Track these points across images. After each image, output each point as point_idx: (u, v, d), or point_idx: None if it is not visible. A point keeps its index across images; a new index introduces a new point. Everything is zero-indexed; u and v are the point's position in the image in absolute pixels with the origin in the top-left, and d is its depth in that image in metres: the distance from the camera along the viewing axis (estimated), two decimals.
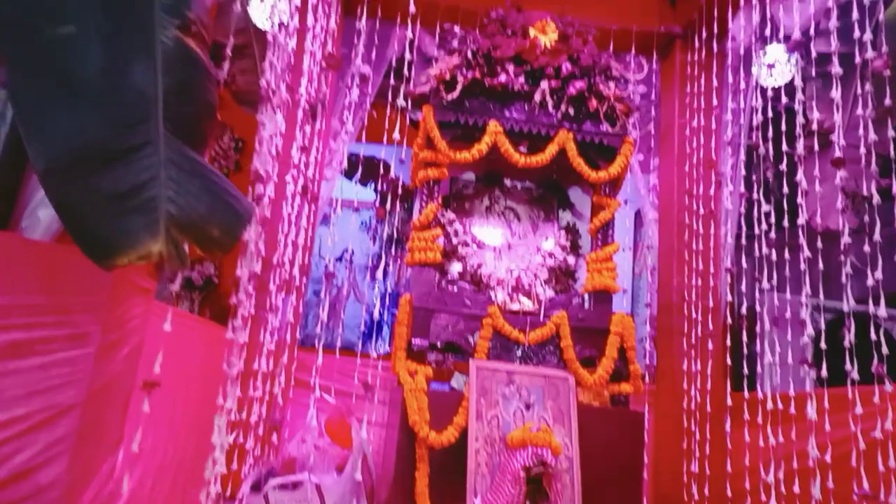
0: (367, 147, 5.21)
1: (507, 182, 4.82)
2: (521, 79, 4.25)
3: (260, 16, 2.83)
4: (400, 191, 5.63)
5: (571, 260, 4.57)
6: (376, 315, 6.45)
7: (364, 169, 5.07)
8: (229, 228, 1.66)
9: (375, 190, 6.28)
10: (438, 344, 3.96)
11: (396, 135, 4.31)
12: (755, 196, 3.89)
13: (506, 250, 4.54)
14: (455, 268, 4.36)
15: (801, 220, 3.43)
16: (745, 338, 4.18)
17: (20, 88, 1.39)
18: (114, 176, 1.46)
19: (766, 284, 3.63)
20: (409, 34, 4.25)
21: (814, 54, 3.71)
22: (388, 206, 5.84)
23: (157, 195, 1.50)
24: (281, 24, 2.87)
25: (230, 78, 3.24)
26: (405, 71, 4.21)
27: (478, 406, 3.63)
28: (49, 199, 1.46)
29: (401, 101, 3.68)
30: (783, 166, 3.71)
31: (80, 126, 1.43)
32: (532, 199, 4.78)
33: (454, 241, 4.42)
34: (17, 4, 1.37)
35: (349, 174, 6.02)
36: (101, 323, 2.17)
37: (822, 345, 3.30)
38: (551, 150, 4.21)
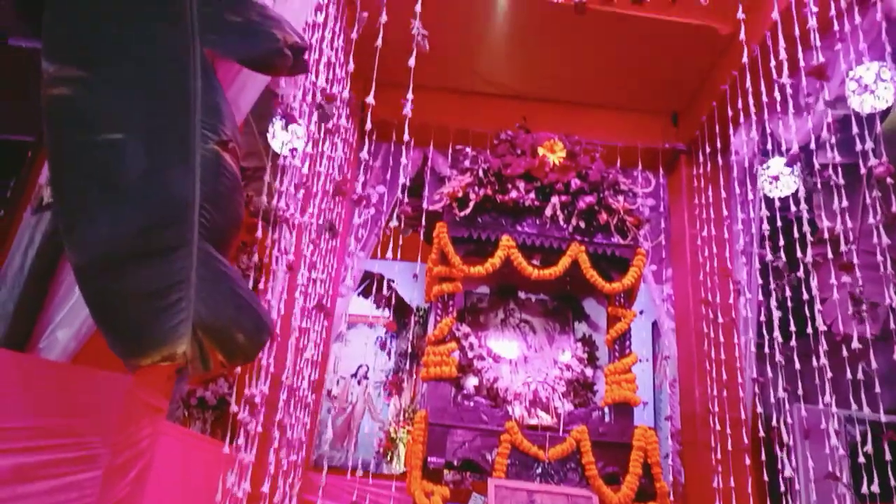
0: (381, 264, 5.28)
1: (522, 295, 4.82)
2: (532, 195, 4.37)
3: (277, 140, 2.99)
4: (414, 311, 5.67)
5: (589, 372, 4.48)
6: (391, 433, 6.26)
7: (377, 286, 5.12)
8: (254, 335, 1.66)
9: (388, 306, 6.31)
10: (455, 462, 3.82)
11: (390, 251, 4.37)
12: (773, 304, 3.86)
13: (522, 363, 4.47)
14: (471, 382, 4.28)
15: (823, 328, 3.38)
16: (777, 452, 4.00)
17: (63, 183, 1.44)
18: (147, 275, 1.49)
19: (782, 393, 3.52)
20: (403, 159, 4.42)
21: (817, 165, 3.80)
22: (393, 317, 5.85)
23: (188, 296, 1.52)
24: (293, 150, 3.01)
25: (247, 198, 3.37)
26: (402, 193, 4.34)
27: None
28: (83, 296, 1.48)
29: (394, 222, 3.79)
30: (799, 273, 3.70)
31: (118, 225, 1.48)
32: (547, 311, 4.77)
33: (470, 354, 4.37)
34: (66, 106, 1.46)
35: (365, 292, 6.08)
36: (110, 445, 2.12)
37: (861, 458, 3.14)
38: (564, 262, 4.25)
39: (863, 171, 3.14)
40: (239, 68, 2.10)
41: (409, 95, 2.91)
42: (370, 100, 2.93)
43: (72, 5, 1.54)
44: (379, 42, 3.04)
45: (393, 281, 5.89)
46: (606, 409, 4.19)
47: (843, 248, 3.23)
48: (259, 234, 2.87)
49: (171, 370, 1.55)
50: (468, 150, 4.63)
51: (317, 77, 3.21)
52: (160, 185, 1.51)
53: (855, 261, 3.16)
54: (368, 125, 3.02)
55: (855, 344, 3.02)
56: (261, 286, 2.92)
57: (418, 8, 2.99)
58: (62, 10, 1.52)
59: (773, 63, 3.67)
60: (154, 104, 1.55)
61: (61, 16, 1.51)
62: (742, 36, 3.21)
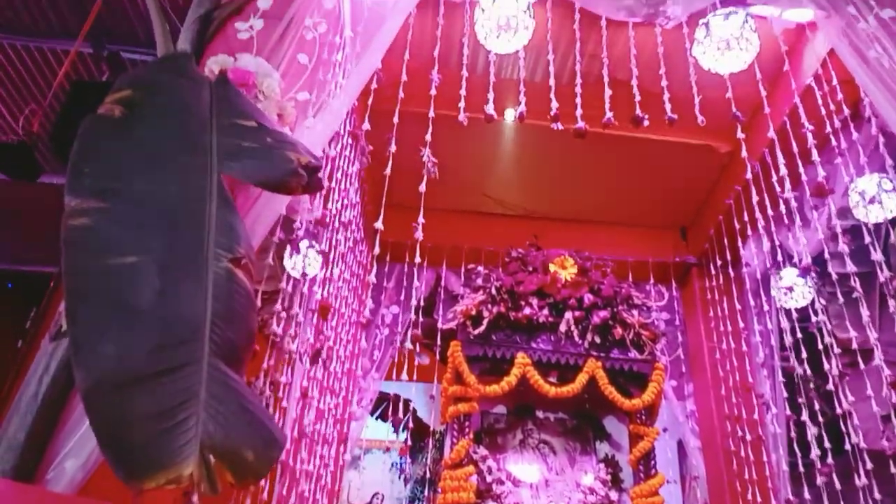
0: (396, 386, 5.21)
1: (540, 414, 4.70)
2: (546, 311, 4.37)
3: (291, 265, 3.06)
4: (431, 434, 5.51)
5: (614, 495, 4.27)
6: None
7: (392, 408, 5.03)
8: (264, 452, 1.61)
9: (405, 429, 6.15)
10: None
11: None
12: (802, 419, 3.72)
13: (543, 487, 4.28)
14: None
15: (863, 445, 3.23)
16: None
17: (76, 304, 1.47)
18: (156, 395, 1.47)
19: None
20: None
21: (834, 276, 3.79)
22: (411, 440, 5.68)
23: (196, 414, 1.49)
24: (304, 275, 3.07)
25: (262, 322, 3.40)
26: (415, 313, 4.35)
27: None
28: (89, 417, 1.45)
29: (408, 344, 3.79)
30: (828, 386, 3.60)
31: (128, 346, 1.48)
32: (567, 430, 4.62)
33: (488, 478, 4.20)
34: (84, 234, 1.52)
35: (381, 415, 5.95)
36: None
37: None
38: (581, 379, 4.18)
39: (882, 279, 3.13)
40: (257, 195, 2.20)
41: (420, 220, 3.00)
42: (379, 224, 3.02)
43: (97, 143, 1.65)
44: (388, 170, 3.17)
45: (410, 401, 5.78)
46: None
47: (876, 359, 3.14)
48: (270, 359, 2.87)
49: (178, 493, 1.49)
50: (480, 268, 4.69)
51: (329, 203, 3.33)
52: (172, 304, 1.54)
53: (886, 372, 3.07)
54: (377, 250, 3.09)
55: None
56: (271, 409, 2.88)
57: (429, 137, 3.15)
58: (87, 147, 1.63)
59: (774, 178, 3.77)
60: (170, 227, 1.62)
61: (86, 153, 1.62)
62: (744, 154, 3.32)
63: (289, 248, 3.40)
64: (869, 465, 3.20)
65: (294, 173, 1.76)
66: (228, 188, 1.89)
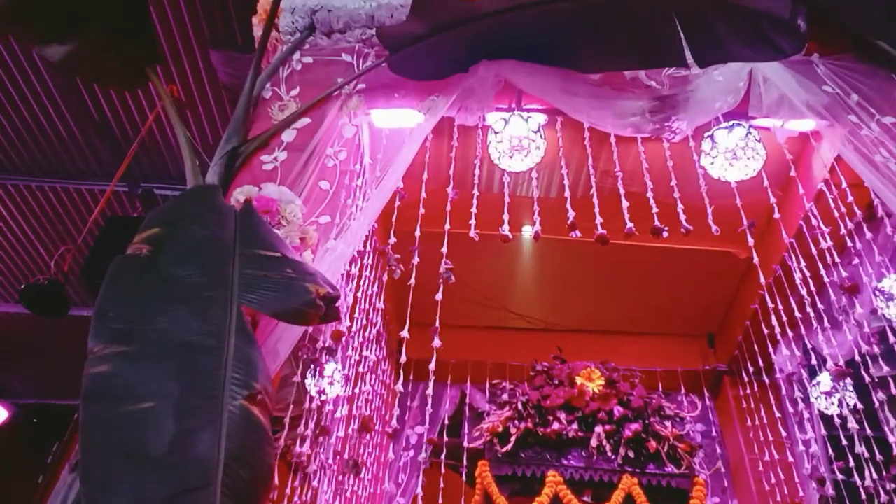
0: None
1: None
2: (575, 425, 4.25)
3: (311, 385, 3.06)
4: None
5: None
6: None
7: None
8: None
9: None
10: None
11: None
12: None
13: None
14: None
15: None
16: None
17: (90, 460, 1.47)
18: None
19: None
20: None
21: (868, 379, 3.67)
22: None
23: None
24: (321, 393, 3.05)
25: (285, 449, 3.35)
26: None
27: None
28: None
29: (428, 455, 3.68)
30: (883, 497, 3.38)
31: (140, 496, 1.46)
32: None
33: None
34: (103, 382, 1.54)
35: None
36: None
37: None
38: (618, 497, 3.98)
39: None
40: None
41: (437, 325, 3.01)
42: (405, 334, 3.04)
43: (123, 285, 1.72)
44: (412, 281, 3.22)
45: None
46: None
47: None
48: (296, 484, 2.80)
49: None
50: (506, 383, 4.62)
51: (351, 321, 3.37)
52: (186, 448, 1.53)
53: None
54: (403, 358, 3.08)
55: None
56: None
57: (444, 249, 3.22)
58: (113, 290, 1.70)
59: (797, 279, 3.75)
60: (188, 367, 1.64)
61: (111, 297, 1.68)
62: (756, 260, 3.33)
63: (312, 367, 3.41)
64: None
65: (312, 304, 1.81)
66: (251, 312, 1.94)
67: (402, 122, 3.32)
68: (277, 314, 1.85)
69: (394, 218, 3.31)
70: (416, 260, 3.24)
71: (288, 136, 3.05)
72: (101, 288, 1.67)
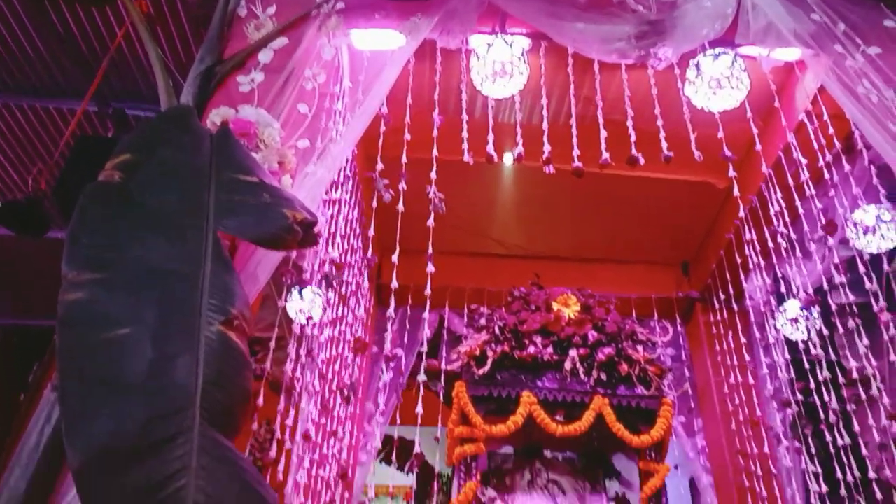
0: (400, 430, 5.17)
1: (548, 453, 4.65)
2: (550, 349, 4.37)
3: (293, 308, 3.09)
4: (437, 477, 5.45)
5: None
6: None
7: (399, 452, 4.97)
8: None
9: (410, 472, 6.07)
10: None
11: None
12: (810, 452, 3.68)
13: None
14: None
15: (870, 475, 3.19)
16: None
17: (68, 386, 1.49)
18: (147, 468, 1.47)
19: None
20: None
21: (833, 307, 3.79)
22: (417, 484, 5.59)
23: (187, 485, 1.50)
24: (309, 318, 3.09)
25: (263, 370, 3.41)
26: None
27: None
28: (80, 496, 1.46)
29: (421, 376, 3.79)
30: (832, 419, 3.56)
31: (120, 421, 1.49)
32: (575, 469, 4.56)
33: None
34: (79, 310, 1.55)
35: (385, 458, 5.88)
36: None
37: None
38: (588, 416, 4.15)
39: (875, 309, 3.14)
40: None
41: (429, 251, 3.03)
42: (394, 258, 3.07)
43: (95, 212, 1.69)
44: (400, 206, 3.22)
45: (417, 443, 5.70)
46: None
47: (873, 389, 3.15)
48: (280, 405, 2.87)
49: None
50: (483, 309, 4.70)
51: (331, 247, 3.38)
52: (164, 374, 1.55)
53: (885, 400, 3.06)
54: (394, 283, 3.11)
55: None
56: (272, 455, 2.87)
57: (433, 175, 3.21)
58: (86, 217, 1.67)
59: (772, 211, 3.81)
60: (163, 293, 1.64)
61: (84, 223, 1.66)
62: (736, 192, 3.36)
63: (294, 292, 3.43)
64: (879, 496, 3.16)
65: (289, 230, 1.80)
66: (229, 236, 1.93)
67: (383, 43, 3.23)
68: (254, 240, 1.85)
69: (380, 143, 3.27)
70: (402, 186, 3.23)
71: (265, 56, 2.95)
72: (73, 215, 1.64)
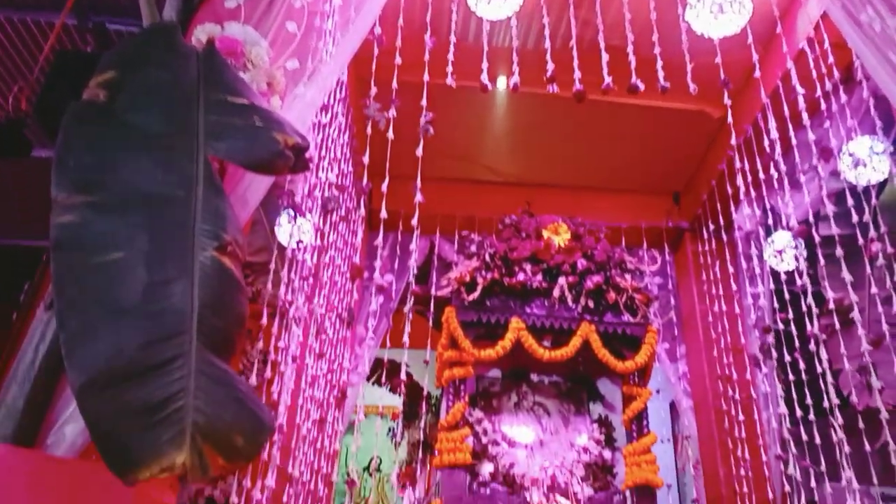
0: (390, 353, 5.28)
1: (534, 377, 4.78)
2: (539, 276, 4.42)
3: (283, 233, 3.08)
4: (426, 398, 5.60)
5: (608, 454, 4.37)
6: None
7: (388, 374, 5.10)
8: (253, 437, 1.67)
9: (399, 394, 6.25)
10: None
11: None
12: (788, 378, 3.80)
13: (538, 447, 4.38)
14: (486, 468, 4.19)
15: (836, 401, 3.31)
16: None
17: (66, 309, 1.50)
18: (146, 389, 1.51)
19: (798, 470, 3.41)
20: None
21: (818, 238, 3.83)
22: (406, 405, 5.78)
23: (186, 405, 1.54)
24: (300, 242, 3.09)
25: (256, 292, 3.43)
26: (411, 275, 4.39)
27: None
28: (82, 415, 1.50)
29: (409, 306, 3.85)
30: (812, 346, 3.66)
31: (118, 343, 1.52)
32: (561, 393, 4.71)
33: (484, 440, 4.29)
34: (72, 233, 1.54)
35: (376, 380, 6.03)
36: None
37: None
38: (575, 342, 4.24)
39: (861, 241, 3.17)
40: None
41: (418, 182, 3.02)
42: (384, 188, 3.05)
43: (81, 132, 1.65)
44: (390, 133, 3.17)
45: (407, 365, 5.84)
46: (628, 493, 4.07)
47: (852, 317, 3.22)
48: (274, 328, 2.91)
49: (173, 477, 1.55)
50: (474, 235, 4.72)
51: (321, 171, 3.34)
52: (160, 298, 1.57)
53: (861, 331, 3.13)
54: (384, 213, 3.11)
55: (884, 415, 2.95)
56: (266, 375, 2.93)
57: (424, 102, 3.15)
58: (72, 137, 1.63)
59: (766, 142, 3.78)
60: (156, 217, 1.64)
61: (71, 144, 1.63)
62: (731, 120, 3.33)
63: (284, 216, 3.41)
64: (840, 421, 3.29)
65: (280, 154, 1.77)
66: (218, 159, 1.91)
67: None
68: (245, 164, 1.82)
69: (373, 66, 3.19)
70: (392, 112, 3.17)
71: None
72: (59, 136, 1.61)
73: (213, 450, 1.58)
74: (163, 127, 1.72)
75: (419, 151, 3.09)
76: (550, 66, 3.10)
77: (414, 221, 3.08)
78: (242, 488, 2.70)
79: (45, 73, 3.47)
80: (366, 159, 3.35)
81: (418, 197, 3.05)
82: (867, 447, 3.06)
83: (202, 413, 1.56)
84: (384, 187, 3.11)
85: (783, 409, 3.78)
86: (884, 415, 3.04)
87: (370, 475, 6.59)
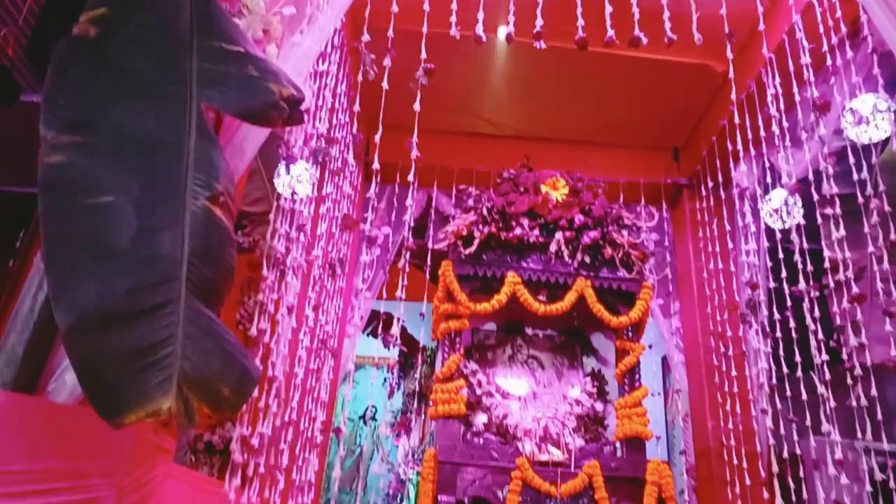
0: (387, 304, 5.31)
1: (529, 331, 4.83)
2: (536, 231, 4.42)
3: (281, 183, 3.06)
4: (421, 350, 5.66)
5: (599, 407, 4.46)
6: (401, 474, 6.20)
7: (383, 325, 5.15)
8: (239, 388, 1.69)
9: (394, 345, 6.33)
10: (466, 500, 3.79)
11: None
12: (778, 335, 3.85)
13: (531, 399, 4.46)
14: (480, 419, 4.27)
15: (826, 357, 3.36)
16: (791, 484, 3.93)
17: (53, 249, 1.50)
18: (134, 333, 1.52)
19: (782, 424, 3.49)
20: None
21: (816, 197, 3.82)
22: (401, 356, 5.86)
23: (174, 352, 1.55)
24: (294, 192, 3.08)
25: (253, 242, 3.42)
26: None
27: None
28: (69, 356, 1.51)
29: (404, 259, 3.85)
30: (806, 304, 3.69)
31: (106, 285, 1.52)
32: (555, 346, 4.77)
33: (478, 391, 4.37)
34: (60, 173, 1.53)
35: (372, 332, 6.09)
36: (117, 487, 2.13)
37: (869, 487, 3.09)
38: (570, 297, 4.27)
39: (860, 200, 3.17)
40: None
41: (415, 137, 2.99)
42: (377, 139, 3.02)
43: (71, 69, 1.62)
44: (384, 84, 3.12)
45: (401, 318, 5.90)
46: (618, 444, 4.16)
47: (840, 275, 3.24)
48: (270, 278, 2.91)
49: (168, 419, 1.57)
50: (472, 189, 4.70)
51: (317, 121, 3.30)
52: (149, 245, 1.56)
53: (854, 289, 3.16)
54: (376, 164, 3.09)
55: (859, 372, 3.00)
56: (263, 326, 2.95)
57: (423, 55, 3.09)
58: (62, 75, 1.60)
59: (769, 97, 3.74)
60: (147, 164, 1.62)
61: (60, 82, 1.59)
62: (732, 75, 3.28)
63: (281, 167, 3.39)
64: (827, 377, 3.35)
65: (275, 106, 1.74)
66: (212, 111, 1.88)
67: None
68: (238, 114, 1.80)
69: (367, 13, 3.11)
70: (387, 62, 3.11)
71: None
72: (48, 72, 1.58)
73: (199, 398, 1.60)
74: (155, 72, 1.68)
75: (416, 105, 3.04)
76: (539, 22, 3.03)
77: (410, 177, 3.06)
78: (240, 435, 2.75)
79: (35, 16, 3.39)
80: (356, 108, 3.30)
81: (414, 152, 3.02)
82: (854, 403, 3.12)
83: (189, 361, 1.58)
84: (377, 139, 3.08)
85: (771, 364, 3.83)
86: (858, 372, 3.10)
87: (365, 424, 6.72)
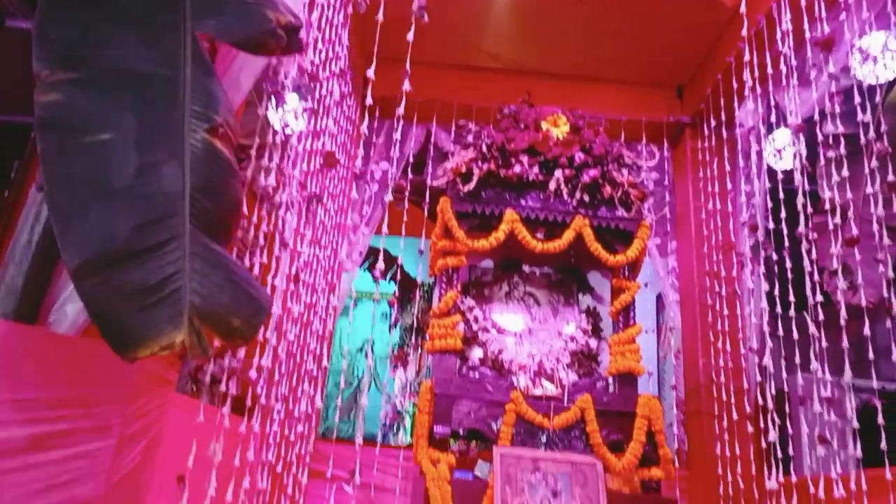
0: (385, 241, 5.32)
1: (526, 268, 4.86)
2: (536, 169, 4.38)
3: (275, 118, 3.01)
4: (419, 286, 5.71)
5: (593, 343, 4.53)
6: (398, 405, 6.37)
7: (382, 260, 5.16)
8: (250, 318, 1.71)
9: (392, 281, 6.39)
10: (461, 431, 3.90)
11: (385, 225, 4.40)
12: (774, 275, 3.87)
13: (527, 335, 4.53)
14: (476, 354, 4.35)
15: (820, 298, 3.40)
16: (777, 420, 4.04)
17: (55, 189, 1.49)
18: (142, 270, 1.53)
19: (769, 361, 3.56)
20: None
21: (820, 137, 3.78)
22: (398, 292, 5.92)
23: (182, 287, 1.56)
24: (285, 126, 3.03)
25: (251, 176, 3.36)
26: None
27: (503, 495, 3.52)
28: (79, 295, 1.53)
29: (388, 196, 3.82)
30: (801, 245, 3.71)
31: (111, 224, 1.52)
32: (551, 284, 4.81)
33: (474, 327, 4.43)
34: (57, 111, 1.50)
35: (369, 267, 6.13)
36: (122, 415, 2.19)
37: (856, 424, 3.18)
38: (568, 235, 4.28)
39: (863, 141, 3.14)
40: None
41: (407, 69, 2.92)
42: (370, 74, 2.95)
43: (63, 2, 1.56)
44: (380, 16, 3.04)
45: (397, 257, 5.94)
46: (611, 380, 4.25)
47: (838, 219, 3.24)
48: (263, 212, 2.90)
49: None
50: (471, 125, 4.63)
51: (313, 53, 3.22)
52: (151, 180, 1.55)
53: (854, 231, 3.17)
54: (369, 100, 3.03)
55: (844, 314, 3.04)
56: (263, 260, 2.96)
57: None
58: (53, 8, 1.55)
59: (778, 34, 3.65)
60: (144, 97, 1.58)
61: (52, 15, 1.54)
62: (743, 9, 3.19)
63: (274, 100, 3.33)
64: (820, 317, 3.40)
65: (272, 33, 1.69)
66: (208, 41, 1.83)
67: None
68: (235, 43, 1.75)
69: None
70: None
71: None
72: (39, 4, 1.53)
73: (211, 330, 1.63)
74: (147, 2, 1.63)
75: (410, 35, 2.97)
76: None
77: (400, 110, 3.01)
78: (235, 369, 2.80)
79: None
80: (345, 39, 3.21)
81: (406, 85, 2.96)
82: (844, 342, 3.17)
83: (198, 295, 1.59)
84: (370, 72, 3.01)
85: (764, 304, 3.87)
86: (843, 314, 3.15)
87: (365, 357, 6.85)
